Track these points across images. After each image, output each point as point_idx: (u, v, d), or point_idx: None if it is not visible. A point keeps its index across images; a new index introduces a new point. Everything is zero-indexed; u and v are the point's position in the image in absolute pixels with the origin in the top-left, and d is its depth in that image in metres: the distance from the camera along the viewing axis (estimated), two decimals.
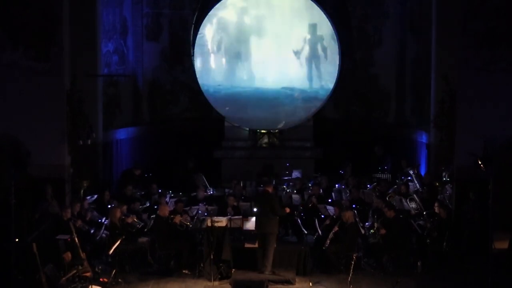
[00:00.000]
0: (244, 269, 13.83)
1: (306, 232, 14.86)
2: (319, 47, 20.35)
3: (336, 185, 17.40)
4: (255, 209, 14.46)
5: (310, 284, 13.42)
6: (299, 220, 15.00)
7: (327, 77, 20.32)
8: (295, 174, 18.42)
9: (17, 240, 12.24)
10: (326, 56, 20.29)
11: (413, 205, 15.54)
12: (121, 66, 19.46)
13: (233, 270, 13.79)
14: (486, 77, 14.70)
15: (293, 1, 20.27)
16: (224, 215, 14.84)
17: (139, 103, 20.30)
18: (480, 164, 12.66)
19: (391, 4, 20.31)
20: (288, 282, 13.38)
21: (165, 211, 14.40)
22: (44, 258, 12.37)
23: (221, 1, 20.01)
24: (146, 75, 20.45)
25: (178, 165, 19.21)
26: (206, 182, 17.85)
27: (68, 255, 12.98)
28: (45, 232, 13.39)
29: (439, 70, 16.62)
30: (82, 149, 15.54)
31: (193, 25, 20.48)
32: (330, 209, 15.15)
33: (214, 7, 20.06)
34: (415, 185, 16.75)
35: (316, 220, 14.86)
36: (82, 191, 15.85)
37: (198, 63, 20.29)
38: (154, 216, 14.80)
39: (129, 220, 14.51)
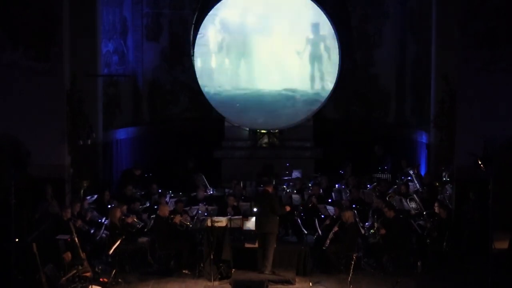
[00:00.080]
0: (244, 269, 13.83)
1: (306, 232, 14.86)
2: (321, 47, 20.33)
3: (336, 185, 17.40)
4: (255, 209, 14.47)
5: (310, 284, 13.42)
6: (299, 220, 15.00)
7: (328, 77, 20.31)
8: (295, 174, 18.42)
9: (17, 240, 12.24)
10: (329, 57, 20.26)
11: (413, 205, 15.54)
12: (121, 66, 19.46)
13: (233, 270, 13.79)
14: (486, 77, 14.70)
15: (295, 0, 20.24)
16: (224, 215, 14.84)
17: (139, 103, 20.31)
18: (480, 164, 12.65)
19: (391, 4, 20.31)
20: (288, 282, 13.38)
21: (165, 211, 14.40)
22: (44, 258, 12.37)
23: (222, 1, 19.99)
24: (146, 75, 20.45)
25: (178, 165, 19.22)
26: (206, 182, 17.85)
27: (68, 255, 12.98)
28: (45, 232, 13.39)
29: (439, 70, 16.63)
30: (82, 149, 15.54)
31: (193, 25, 20.48)
32: (330, 209, 15.15)
33: (215, 7, 20.02)
34: (415, 185, 16.75)
35: (316, 220, 14.86)
36: (82, 191, 15.85)
37: (198, 63, 20.27)
38: (154, 216, 14.80)
39: (129, 220, 14.51)
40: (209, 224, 13.83)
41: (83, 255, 12.97)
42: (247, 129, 20.71)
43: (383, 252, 14.17)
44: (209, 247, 13.64)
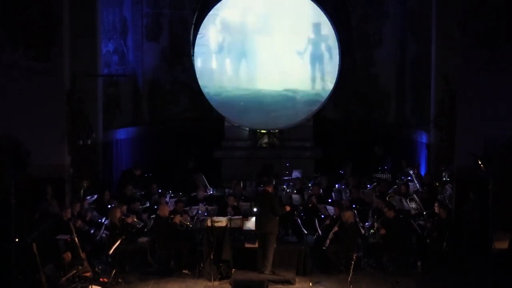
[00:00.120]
0: (244, 269, 13.83)
1: (306, 232, 14.86)
2: (323, 47, 20.31)
3: (336, 185, 17.40)
4: (255, 209, 14.47)
5: (310, 284, 13.42)
6: (299, 220, 15.00)
7: (329, 77, 20.31)
8: (295, 174, 18.42)
9: (17, 240, 12.24)
10: (331, 57, 20.26)
11: (413, 205, 15.54)
12: (121, 66, 19.46)
13: (233, 270, 13.79)
14: (486, 77, 14.70)
15: (296, 0, 20.24)
16: (224, 215, 14.84)
17: (139, 103, 20.31)
18: (480, 164, 12.65)
19: (391, 4, 20.31)
20: (288, 282, 13.38)
21: (165, 211, 14.40)
22: (44, 258, 12.37)
23: (222, 1, 19.98)
24: (146, 75, 20.45)
25: (178, 165, 19.22)
26: (206, 182, 17.85)
27: (68, 255, 12.98)
28: (45, 232, 13.39)
29: (439, 70, 16.63)
30: (82, 149, 15.54)
31: (193, 25, 20.48)
32: (330, 209, 15.15)
33: (216, 7, 20.01)
34: (415, 185, 16.75)
35: (316, 220, 14.86)
36: (82, 191, 15.85)
37: (198, 64, 20.27)
38: (154, 216, 14.80)
39: (129, 220, 14.51)
40: (209, 224, 13.83)
41: (83, 255, 12.97)
42: (247, 129, 20.71)
43: (383, 252, 14.17)
44: (209, 247, 13.64)
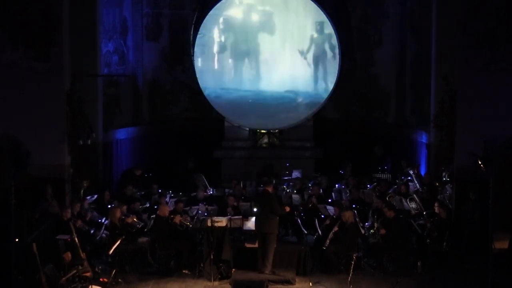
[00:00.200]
0: (244, 269, 13.83)
1: (306, 232, 14.86)
2: (326, 46, 20.28)
3: (336, 185, 17.40)
4: (255, 209, 14.47)
5: (310, 284, 13.42)
6: (299, 220, 15.00)
7: (330, 77, 20.29)
8: (295, 174, 18.42)
9: (17, 240, 12.24)
10: (334, 56, 20.25)
11: (413, 205, 15.54)
12: (121, 66, 19.46)
13: (233, 270, 13.79)
14: (486, 77, 14.70)
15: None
16: (224, 215, 14.84)
17: (139, 103, 20.30)
18: (480, 164, 12.65)
19: (391, 4, 20.30)
20: (288, 282, 13.38)
21: (165, 211, 14.40)
22: (44, 258, 12.37)
23: (223, 1, 19.97)
24: (146, 75, 20.45)
25: (178, 165, 19.21)
26: (206, 182, 17.86)
27: (68, 255, 12.98)
28: (45, 232, 13.39)
29: (439, 70, 16.63)
30: (82, 149, 15.53)
31: (193, 25, 20.47)
32: (330, 209, 15.15)
33: (218, 7, 19.99)
34: (415, 185, 16.75)
35: (316, 220, 14.86)
36: (82, 191, 15.85)
37: (199, 64, 20.26)
38: (154, 216, 14.80)
39: (129, 220, 14.51)
40: (209, 224, 13.83)
41: (83, 255, 12.97)
42: (247, 129, 20.71)
43: (383, 252, 14.17)
44: (209, 247, 13.64)
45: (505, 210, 13.86)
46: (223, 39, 20.35)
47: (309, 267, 13.96)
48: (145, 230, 14.87)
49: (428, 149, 17.78)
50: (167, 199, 16.08)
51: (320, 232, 14.57)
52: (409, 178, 17.13)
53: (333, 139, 20.71)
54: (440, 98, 15.85)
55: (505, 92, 14.75)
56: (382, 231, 14.21)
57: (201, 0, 20.61)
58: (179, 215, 14.58)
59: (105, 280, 13.24)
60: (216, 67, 20.43)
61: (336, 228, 14.04)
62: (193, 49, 20.18)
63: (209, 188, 17.61)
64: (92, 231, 14.46)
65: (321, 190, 16.57)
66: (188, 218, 14.78)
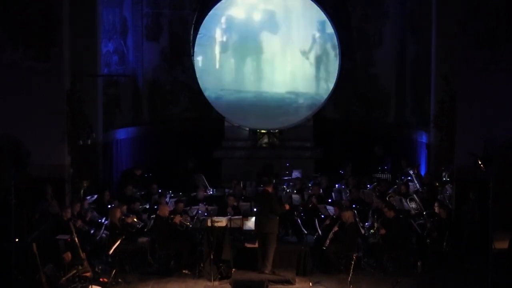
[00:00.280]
0: (244, 269, 13.83)
1: (306, 232, 14.86)
2: (329, 46, 20.24)
3: (336, 185, 17.40)
4: (255, 209, 14.46)
5: (310, 284, 13.42)
6: (299, 220, 15.00)
7: (331, 77, 20.27)
8: (295, 174, 18.42)
9: (17, 240, 12.24)
10: (336, 55, 20.23)
11: (413, 205, 15.54)
12: (121, 66, 19.45)
13: (233, 270, 13.79)
14: (486, 77, 14.70)
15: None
16: (224, 215, 14.84)
17: (139, 103, 20.30)
18: (480, 164, 12.65)
19: (391, 4, 20.30)
20: (288, 282, 13.38)
21: (165, 211, 14.39)
22: (44, 258, 12.37)
23: (222, 0, 19.96)
24: (146, 75, 20.45)
25: (178, 165, 19.21)
26: (206, 182, 17.86)
27: (68, 255, 12.98)
28: (45, 232, 13.38)
29: (439, 70, 16.63)
30: (82, 149, 15.53)
31: (193, 25, 20.47)
32: (330, 209, 15.15)
33: (220, 7, 19.97)
34: (415, 185, 16.75)
35: (316, 220, 14.86)
36: (82, 191, 15.85)
37: (199, 64, 20.24)
38: (154, 216, 14.80)
39: (129, 220, 14.51)
40: (209, 224, 13.83)
41: (83, 255, 12.97)
42: (247, 129, 20.71)
43: (383, 252, 14.17)
44: (209, 247, 13.64)
45: (505, 210, 13.86)
46: (224, 38, 20.32)
47: (309, 267, 13.95)
48: (145, 230, 14.86)
49: (428, 149, 17.78)
50: (167, 199, 16.08)
51: (320, 232, 14.57)
52: (409, 178, 17.13)
53: (333, 139, 20.72)
54: (440, 98, 15.85)
55: (505, 92, 14.75)
56: (382, 231, 14.21)
57: (201, 0, 20.61)
58: (179, 215, 14.58)
59: (105, 280, 13.24)
60: (217, 67, 20.40)
61: (336, 228, 14.04)
62: (193, 49, 20.18)
63: (209, 188, 17.61)
64: (92, 231, 14.46)
65: (321, 190, 16.57)
66: (188, 218, 14.77)
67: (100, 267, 13.70)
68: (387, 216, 14.33)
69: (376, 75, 20.69)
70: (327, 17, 20.03)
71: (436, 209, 14.78)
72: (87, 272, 12.95)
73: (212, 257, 13.50)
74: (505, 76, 14.68)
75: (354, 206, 15.52)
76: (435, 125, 16.12)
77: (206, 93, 20.13)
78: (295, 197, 16.44)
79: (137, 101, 20.22)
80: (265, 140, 20.79)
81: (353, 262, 13.12)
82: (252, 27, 20.30)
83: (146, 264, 14.27)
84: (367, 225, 14.97)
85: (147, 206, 16.10)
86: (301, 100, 20.36)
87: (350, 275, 13.00)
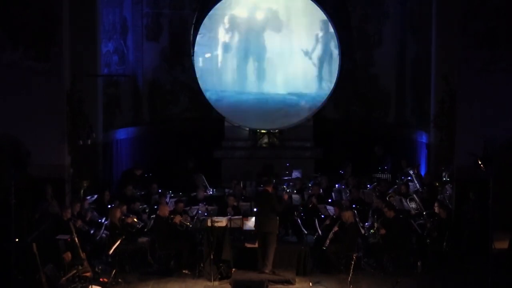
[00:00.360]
0: (244, 269, 13.83)
1: (306, 232, 14.86)
2: (332, 45, 20.21)
3: (336, 185, 17.40)
4: (255, 209, 14.46)
5: (310, 284, 13.42)
6: (299, 220, 15.00)
7: (332, 77, 20.25)
8: (295, 174, 18.42)
9: (17, 240, 12.24)
10: (338, 55, 20.22)
11: (413, 205, 15.54)
12: (121, 66, 19.45)
13: (233, 270, 13.79)
14: (486, 77, 14.70)
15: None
16: (224, 215, 14.84)
17: (139, 103, 20.30)
18: (480, 164, 12.65)
19: (391, 4, 20.30)
20: (288, 282, 13.38)
21: (165, 211, 14.39)
22: (44, 258, 12.37)
23: (222, 0, 19.95)
24: (146, 75, 20.44)
25: (178, 165, 19.21)
26: (206, 182, 17.86)
27: (68, 255, 12.98)
28: (45, 232, 13.38)
29: (439, 70, 16.63)
30: (82, 149, 15.53)
31: (193, 25, 20.46)
32: (330, 209, 15.15)
33: (218, 7, 19.96)
34: (415, 185, 16.75)
35: (316, 220, 14.86)
36: (82, 191, 15.85)
37: (200, 64, 20.22)
38: (154, 216, 14.80)
39: (129, 220, 14.51)
40: (209, 224, 13.83)
41: (83, 255, 12.97)
42: (247, 129, 20.71)
43: (383, 252, 14.17)
44: (209, 247, 13.65)
45: (505, 210, 13.86)
46: (227, 38, 20.29)
47: (309, 267, 13.96)
48: (145, 230, 14.86)
49: (428, 149, 17.78)
50: (167, 199, 16.08)
51: (320, 232, 14.57)
52: (409, 178, 17.13)
53: (333, 139, 20.72)
54: (440, 98, 15.85)
55: (505, 92, 14.75)
56: (382, 231, 14.21)
57: (201, 0, 20.60)
58: (179, 215, 14.58)
59: (105, 280, 13.24)
60: (219, 67, 20.35)
61: (336, 228, 14.04)
62: (193, 49, 20.17)
63: (209, 188, 17.62)
64: (92, 231, 14.46)
65: (321, 190, 16.57)
66: (188, 218, 14.78)
67: (100, 267, 13.70)
68: (387, 216, 14.33)
69: (376, 75, 20.69)
70: (327, 17, 20.02)
71: (436, 209, 14.79)
72: (87, 272, 12.95)
73: (212, 257, 13.50)
74: (505, 76, 14.68)
75: (354, 206, 15.52)
76: (435, 125, 16.12)
77: (207, 94, 20.11)
78: (295, 197, 16.43)
79: (137, 101, 20.22)
80: (265, 140, 20.79)
81: (353, 262, 13.13)
82: (255, 26, 20.23)
83: (146, 264, 14.27)
84: (367, 225, 14.97)
85: (147, 210, 15.98)
86: (303, 102, 20.32)
87: (350, 275, 13.01)
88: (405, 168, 17.83)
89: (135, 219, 14.68)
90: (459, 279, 13.45)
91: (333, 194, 16.65)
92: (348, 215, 14.10)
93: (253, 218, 14.20)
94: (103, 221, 14.81)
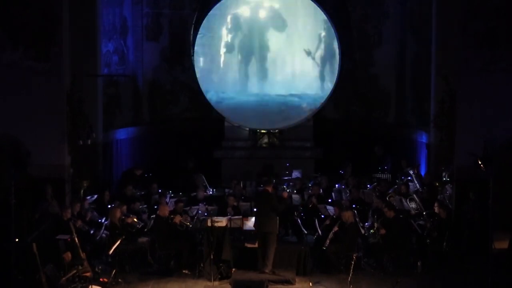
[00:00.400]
0: (244, 269, 13.83)
1: (306, 232, 14.85)
2: (335, 45, 20.19)
3: (336, 185, 17.40)
4: (255, 209, 14.46)
5: (310, 284, 13.42)
6: (299, 220, 14.99)
7: (331, 77, 20.24)
8: (295, 174, 18.41)
9: (17, 240, 12.24)
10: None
11: (413, 205, 15.54)
12: (121, 66, 19.45)
13: (233, 270, 13.79)
14: (486, 77, 14.70)
15: None
16: (224, 215, 14.84)
17: (139, 103, 20.30)
18: (480, 164, 12.66)
19: (391, 4, 20.29)
20: (288, 282, 13.38)
21: (165, 211, 14.40)
22: (44, 258, 12.37)
23: (222, 1, 19.95)
24: (146, 75, 20.44)
25: (178, 165, 19.21)
26: (206, 182, 17.86)
27: (68, 255, 12.98)
28: (45, 232, 13.38)
29: (439, 70, 16.63)
30: (82, 149, 15.53)
31: (193, 25, 20.46)
32: (330, 209, 15.15)
33: (217, 7, 19.95)
34: (415, 185, 16.75)
35: (316, 220, 14.86)
36: (82, 191, 15.85)
37: (201, 64, 20.20)
38: (154, 216, 14.80)
39: (129, 220, 14.51)
40: (209, 224, 13.83)
41: (83, 255, 12.97)
42: (247, 129, 20.70)
43: (383, 252, 14.17)
44: (209, 247, 13.65)
45: (505, 210, 13.86)
46: (229, 38, 20.24)
47: (309, 267, 13.96)
48: (145, 230, 14.86)
49: (428, 149, 17.78)
50: (167, 199, 16.08)
51: (320, 232, 14.57)
52: (409, 178, 17.13)
53: (333, 139, 20.71)
54: (440, 98, 15.85)
55: (505, 92, 14.75)
56: (382, 231, 14.21)
57: (201, 0, 20.60)
58: (179, 215, 14.58)
59: (105, 280, 13.24)
60: (221, 67, 20.31)
61: (336, 228, 14.04)
62: (193, 49, 20.15)
63: (209, 188, 17.62)
64: (92, 231, 14.46)
65: (321, 190, 16.57)
66: (188, 218, 14.78)
67: (100, 267, 13.70)
68: (387, 216, 14.33)
69: (376, 75, 20.68)
70: (327, 17, 20.01)
71: (436, 209, 14.79)
72: (87, 272, 12.95)
73: (212, 257, 13.50)
74: (505, 76, 14.68)
75: (354, 206, 15.52)
76: (435, 125, 16.12)
77: (208, 95, 20.08)
78: (295, 197, 16.43)
79: (137, 101, 20.22)
80: (265, 140, 20.78)
81: (353, 262, 13.13)
82: (257, 26, 20.17)
83: (146, 264, 14.27)
84: (367, 225, 14.97)
85: (147, 213, 15.94)
86: (304, 104, 20.26)
87: (350, 275, 13.01)
88: (405, 168, 17.82)
89: (135, 219, 14.68)
90: (459, 279, 13.45)
91: (333, 194, 16.65)
92: (348, 215, 14.10)
93: (253, 218, 14.20)
94: (103, 221, 14.81)
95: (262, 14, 20.19)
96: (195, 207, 15.63)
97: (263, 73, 20.35)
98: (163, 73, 20.79)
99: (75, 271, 12.82)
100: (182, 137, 20.41)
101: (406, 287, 13.13)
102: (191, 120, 21.06)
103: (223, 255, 13.71)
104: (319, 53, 20.29)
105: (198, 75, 20.03)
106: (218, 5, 19.93)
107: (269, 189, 14.25)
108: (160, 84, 20.74)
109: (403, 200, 15.58)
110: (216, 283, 13.45)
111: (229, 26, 20.20)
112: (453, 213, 14.96)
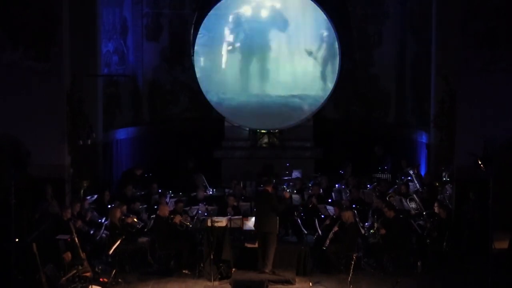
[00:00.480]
0: (244, 269, 13.83)
1: (306, 232, 14.86)
2: (336, 45, 20.17)
3: (336, 185, 17.40)
4: (255, 209, 14.46)
5: (310, 284, 13.42)
6: (299, 220, 15.00)
7: (332, 77, 20.23)
8: (295, 174, 18.41)
9: (17, 240, 12.24)
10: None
11: (413, 205, 15.55)
12: (121, 66, 19.45)
13: (233, 270, 13.79)
14: (486, 77, 14.70)
15: None
16: (224, 215, 14.84)
17: (139, 103, 20.30)
18: (480, 164, 12.66)
19: (391, 4, 20.29)
20: (288, 282, 13.38)
21: (165, 211, 14.40)
22: (44, 258, 12.37)
23: (222, 1, 19.94)
24: (146, 75, 20.45)
25: (178, 165, 19.21)
26: (206, 182, 17.86)
27: (68, 255, 12.98)
28: (45, 232, 13.38)
29: (439, 70, 16.63)
30: (82, 149, 15.54)
31: (193, 25, 20.46)
32: (330, 209, 15.15)
33: (219, 7, 19.95)
34: (415, 185, 16.75)
35: (316, 220, 14.86)
36: (82, 191, 15.85)
37: (201, 64, 20.19)
38: (154, 216, 14.80)
39: (129, 220, 14.51)
40: (209, 224, 13.83)
41: (83, 255, 12.97)
42: (247, 129, 20.70)
43: (383, 252, 14.18)
44: (209, 247, 13.65)
45: (505, 210, 13.86)
46: (230, 38, 20.21)
47: (309, 267, 13.96)
48: (145, 230, 14.86)
49: (428, 149, 17.78)
50: (167, 199, 16.08)
51: (320, 232, 14.57)
52: (409, 178, 17.13)
53: (333, 139, 20.71)
54: (440, 98, 15.86)
55: (505, 92, 14.75)
56: (382, 231, 14.21)
57: (201, 0, 20.60)
58: (179, 215, 14.58)
59: (105, 280, 13.24)
60: (222, 67, 20.28)
61: (336, 228, 14.04)
62: (193, 49, 20.15)
63: (209, 188, 17.62)
64: (92, 231, 14.46)
65: (321, 190, 16.57)
66: (188, 218, 14.78)
67: (100, 267, 13.70)
68: (387, 216, 14.33)
69: (376, 75, 20.68)
70: (327, 17, 20.00)
71: (436, 209, 14.79)
72: (87, 272, 12.95)
73: (212, 257, 13.50)
74: (505, 76, 14.68)
75: (354, 206, 15.52)
76: (435, 125, 16.12)
77: (208, 96, 20.04)
78: (295, 197, 16.43)
79: (137, 101, 20.23)
80: (265, 140, 20.78)
81: (353, 262, 13.13)
82: (259, 26, 20.11)
83: (146, 264, 14.27)
84: (367, 225, 14.97)
85: (146, 214, 15.95)
86: (305, 105, 20.21)
87: (350, 275, 13.01)
88: (405, 168, 17.83)
89: (135, 219, 14.68)
90: (459, 279, 13.45)
91: (333, 194, 16.65)
92: (348, 215, 14.10)
93: (253, 218, 14.20)
94: (103, 221, 14.81)
95: (264, 14, 20.17)
96: (195, 207, 15.64)
97: (264, 74, 20.32)
98: (163, 73, 20.79)
99: (75, 271, 12.82)
100: (182, 137, 20.41)
101: (406, 287, 13.13)
102: (191, 120, 21.06)
103: (223, 255, 13.72)
104: (320, 53, 20.28)
105: (198, 75, 20.02)
106: (218, 5, 19.91)
107: (269, 189, 14.25)
108: (160, 84, 20.75)
109: (403, 200, 15.58)
110: (216, 283, 13.45)
111: (230, 26, 20.18)
112: (453, 213, 14.96)
